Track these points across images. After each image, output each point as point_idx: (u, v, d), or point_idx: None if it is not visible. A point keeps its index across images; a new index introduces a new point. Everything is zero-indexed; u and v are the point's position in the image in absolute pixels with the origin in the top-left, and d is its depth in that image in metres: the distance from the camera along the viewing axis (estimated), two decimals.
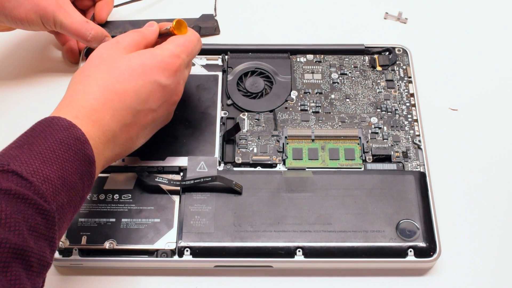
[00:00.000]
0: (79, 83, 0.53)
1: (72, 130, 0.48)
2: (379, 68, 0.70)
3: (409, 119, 0.66)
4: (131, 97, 0.53)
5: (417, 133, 0.65)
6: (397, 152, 0.64)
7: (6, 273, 0.41)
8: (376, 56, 0.70)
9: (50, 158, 0.46)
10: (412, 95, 0.68)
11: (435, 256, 0.58)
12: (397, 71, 0.69)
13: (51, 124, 0.48)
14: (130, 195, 0.61)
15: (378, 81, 0.69)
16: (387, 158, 0.64)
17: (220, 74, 0.69)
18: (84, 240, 0.58)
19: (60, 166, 0.46)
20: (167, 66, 0.55)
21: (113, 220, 0.59)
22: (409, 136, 0.65)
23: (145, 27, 0.59)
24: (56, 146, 0.47)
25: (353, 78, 0.69)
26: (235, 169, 0.63)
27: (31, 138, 0.47)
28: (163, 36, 0.59)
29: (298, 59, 0.70)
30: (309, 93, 0.68)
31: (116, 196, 0.61)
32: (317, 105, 0.67)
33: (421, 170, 0.63)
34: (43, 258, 0.44)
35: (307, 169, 0.62)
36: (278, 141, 0.64)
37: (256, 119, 0.66)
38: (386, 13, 0.77)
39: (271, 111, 0.67)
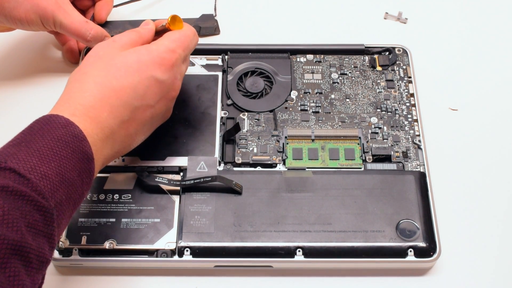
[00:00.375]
0: (76, 81, 0.53)
1: (69, 128, 0.48)
2: (379, 68, 0.70)
3: (409, 119, 0.66)
4: (128, 94, 0.53)
5: (417, 133, 0.65)
6: (397, 152, 0.64)
7: (5, 269, 0.41)
8: (376, 56, 0.70)
9: (48, 155, 0.46)
10: (412, 95, 0.68)
11: (435, 256, 0.58)
12: (397, 71, 0.69)
13: (49, 122, 0.48)
14: (130, 195, 0.61)
15: (378, 81, 0.69)
16: (387, 158, 0.64)
17: (220, 74, 0.69)
18: (84, 240, 0.58)
19: (58, 163, 0.46)
20: (163, 61, 0.55)
21: (113, 220, 0.59)
22: (409, 136, 0.65)
23: (141, 26, 0.60)
24: (53, 143, 0.47)
25: (353, 78, 0.69)
26: (235, 169, 0.63)
27: (29, 136, 0.47)
28: (160, 33, 0.59)
29: (298, 59, 0.70)
30: (309, 93, 0.68)
31: (116, 196, 0.61)
32: (317, 105, 0.67)
33: (421, 170, 0.63)
34: (42, 255, 0.44)
35: (307, 169, 0.62)
36: (278, 141, 0.64)
37: (256, 119, 0.66)
38: (386, 13, 0.77)
39: (271, 111, 0.67)
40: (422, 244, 0.58)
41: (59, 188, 0.46)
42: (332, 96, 0.68)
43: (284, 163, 0.63)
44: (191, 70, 0.68)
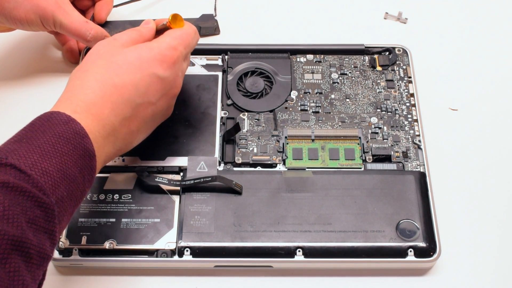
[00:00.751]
0: (77, 79, 0.53)
1: (71, 124, 0.48)
2: (379, 68, 0.70)
3: (409, 119, 0.66)
4: (130, 91, 0.53)
5: (417, 133, 0.65)
6: (397, 152, 0.64)
7: (5, 264, 0.41)
8: (376, 56, 0.70)
9: (49, 151, 0.46)
10: (412, 95, 0.68)
11: (435, 256, 0.58)
12: (397, 71, 0.69)
13: (50, 118, 0.48)
14: (130, 195, 0.61)
15: (378, 81, 0.69)
16: (387, 158, 0.64)
17: (220, 74, 0.69)
18: (84, 240, 0.58)
19: (59, 160, 0.46)
20: (165, 58, 0.55)
21: (113, 220, 0.59)
22: (409, 136, 0.65)
23: (141, 25, 0.60)
24: (55, 140, 0.47)
25: (353, 78, 0.69)
26: (235, 169, 0.63)
27: (30, 133, 0.47)
28: (161, 32, 0.59)
29: (298, 59, 0.70)
30: (309, 93, 0.68)
31: (116, 196, 0.61)
32: (317, 105, 0.67)
33: (421, 170, 0.63)
34: (43, 251, 0.44)
35: (307, 169, 0.62)
36: (278, 141, 0.64)
37: (256, 119, 0.66)
38: (386, 13, 0.77)
39: (271, 111, 0.67)
40: (422, 244, 0.58)
41: (60, 184, 0.46)
42: (332, 96, 0.68)
43: (284, 163, 0.63)
44: (191, 70, 0.68)
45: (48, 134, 0.47)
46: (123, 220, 0.59)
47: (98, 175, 0.61)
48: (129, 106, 0.53)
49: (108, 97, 0.52)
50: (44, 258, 0.44)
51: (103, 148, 0.52)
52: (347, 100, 0.67)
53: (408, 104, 0.67)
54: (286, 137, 0.65)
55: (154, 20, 0.61)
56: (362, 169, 0.63)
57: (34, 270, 0.43)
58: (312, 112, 0.67)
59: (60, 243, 0.58)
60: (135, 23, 0.74)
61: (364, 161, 0.63)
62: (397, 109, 0.66)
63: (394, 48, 0.71)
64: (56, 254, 0.58)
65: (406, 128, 0.65)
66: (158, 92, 0.55)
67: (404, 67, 0.69)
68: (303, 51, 0.71)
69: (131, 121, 0.54)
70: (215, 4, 0.78)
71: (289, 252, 0.58)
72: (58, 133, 0.47)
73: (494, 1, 0.79)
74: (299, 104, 0.67)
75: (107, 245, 0.58)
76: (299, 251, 0.58)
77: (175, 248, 0.58)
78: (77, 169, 0.48)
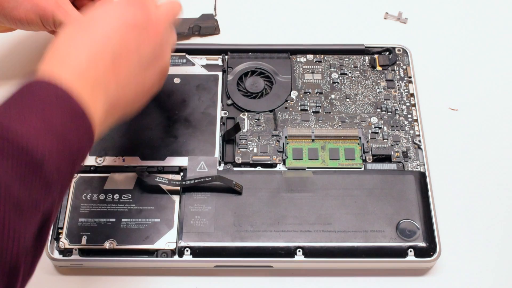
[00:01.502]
0: (48, 50, 0.52)
1: (51, 89, 0.48)
2: (379, 68, 0.70)
3: (409, 119, 0.66)
4: (102, 39, 0.49)
5: (417, 133, 0.65)
6: (397, 152, 0.64)
7: None
8: (376, 56, 0.70)
9: (31, 109, 0.45)
10: (412, 95, 0.68)
11: (435, 256, 0.58)
12: (397, 71, 0.69)
13: (29, 86, 0.48)
14: (130, 195, 0.61)
15: (378, 81, 0.69)
16: (387, 158, 0.64)
17: (220, 74, 0.69)
18: (84, 240, 0.58)
19: (40, 115, 0.45)
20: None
21: (113, 220, 0.59)
22: (409, 136, 0.65)
23: None
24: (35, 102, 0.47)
25: (353, 78, 0.69)
26: (235, 169, 0.63)
27: (8, 100, 0.47)
28: None
29: (298, 59, 0.70)
30: (309, 93, 0.68)
31: (116, 196, 0.61)
32: (317, 105, 0.67)
33: (421, 170, 0.63)
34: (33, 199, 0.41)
35: (307, 169, 0.62)
36: (278, 141, 0.64)
37: (256, 119, 0.66)
38: (386, 13, 0.77)
39: (271, 111, 0.67)
40: (422, 244, 0.58)
41: (46, 136, 0.43)
42: (332, 96, 0.68)
43: (284, 163, 0.63)
44: (191, 70, 0.68)
45: (28, 98, 0.46)
46: (123, 220, 0.59)
47: (98, 175, 0.61)
48: (105, 53, 0.49)
49: (81, 48, 0.49)
50: (35, 208, 0.41)
51: (93, 101, 0.47)
52: (347, 100, 0.67)
53: (408, 104, 0.67)
54: (286, 137, 0.65)
55: None
56: (362, 169, 0.63)
57: (25, 220, 0.40)
58: (312, 112, 0.67)
59: (60, 243, 0.58)
60: None
61: (364, 161, 0.63)
62: (397, 109, 0.67)
63: (394, 48, 0.71)
64: (56, 254, 0.58)
65: (406, 128, 0.65)
66: (134, 37, 0.51)
67: (404, 67, 0.69)
68: (303, 51, 0.71)
69: (116, 67, 0.50)
70: (215, 4, 0.78)
71: (289, 252, 0.58)
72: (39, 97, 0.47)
73: (494, 1, 0.79)
74: (299, 104, 0.67)
75: (107, 245, 0.58)
76: (299, 251, 0.58)
77: (175, 248, 0.58)
78: (61, 124, 0.45)
